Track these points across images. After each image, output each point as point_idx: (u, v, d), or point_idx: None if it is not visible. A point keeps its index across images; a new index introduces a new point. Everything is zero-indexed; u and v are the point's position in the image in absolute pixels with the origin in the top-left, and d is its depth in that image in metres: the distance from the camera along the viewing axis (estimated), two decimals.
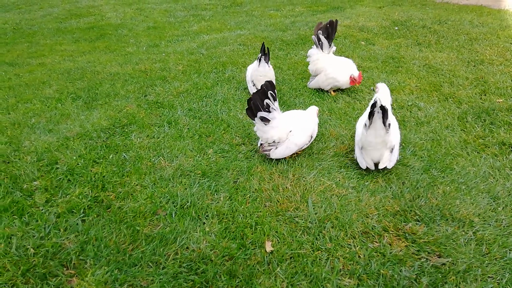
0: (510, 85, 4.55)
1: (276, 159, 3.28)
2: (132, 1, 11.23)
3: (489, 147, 3.40)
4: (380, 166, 3.01)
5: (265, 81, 3.06)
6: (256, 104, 3.04)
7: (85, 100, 4.55)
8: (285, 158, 3.28)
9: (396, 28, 7.07)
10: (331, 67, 4.55)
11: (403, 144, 3.45)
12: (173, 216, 2.64)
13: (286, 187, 2.96)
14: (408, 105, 4.24)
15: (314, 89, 4.77)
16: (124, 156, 3.35)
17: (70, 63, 6.20)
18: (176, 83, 5.09)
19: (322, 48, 4.64)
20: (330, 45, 4.63)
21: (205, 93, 4.74)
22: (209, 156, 3.37)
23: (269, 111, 3.10)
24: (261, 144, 3.30)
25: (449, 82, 4.76)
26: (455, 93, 4.45)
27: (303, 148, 3.35)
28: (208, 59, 6.03)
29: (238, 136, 3.72)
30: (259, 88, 4.40)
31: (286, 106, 4.37)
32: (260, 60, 4.36)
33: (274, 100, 3.12)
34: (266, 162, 3.28)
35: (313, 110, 3.62)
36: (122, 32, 8.19)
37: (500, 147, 3.39)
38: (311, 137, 3.38)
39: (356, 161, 3.18)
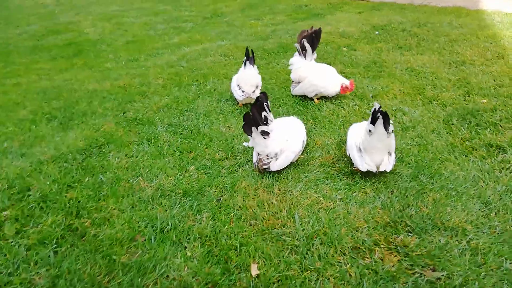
0: (493, 85, 4.53)
1: (260, 174, 3.16)
2: (111, 15, 11.07)
3: (476, 150, 3.33)
4: (381, 169, 2.94)
5: (260, 93, 2.97)
6: (256, 118, 2.92)
7: (60, 120, 4.37)
8: (270, 172, 3.16)
9: (377, 32, 7.07)
10: (314, 74, 4.48)
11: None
12: (153, 241, 2.49)
13: (272, 203, 2.84)
14: (393, 110, 4.17)
15: (298, 97, 4.68)
16: (101, 179, 3.18)
17: (47, 82, 6.01)
18: (156, 97, 4.94)
19: (305, 56, 4.58)
20: (314, 52, 4.57)
21: (186, 107, 4.61)
22: (191, 173, 3.23)
23: (268, 124, 3.00)
24: (259, 159, 3.13)
25: (432, 85, 4.72)
26: (438, 96, 4.40)
27: (298, 156, 3.26)
28: (188, 72, 5.90)
29: (221, 151, 3.59)
30: (244, 90, 4.37)
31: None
32: (245, 63, 4.32)
33: (269, 111, 3.02)
34: (250, 177, 3.16)
35: (295, 118, 3.57)
36: (100, 47, 8.03)
37: (488, 149, 3.33)
38: (303, 143, 3.32)
39: (349, 167, 3.09)
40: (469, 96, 4.35)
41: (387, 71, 5.30)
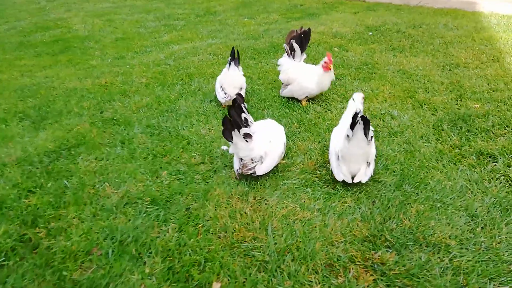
0: (487, 89, 4.35)
1: (237, 180, 2.98)
2: (102, 12, 10.85)
3: (466, 157, 3.15)
4: (355, 180, 2.77)
5: (236, 94, 2.77)
6: (236, 121, 2.74)
7: (33, 119, 4.17)
8: (251, 177, 2.97)
9: (370, 33, 6.88)
10: (303, 76, 4.29)
11: (375, 158, 3.17)
12: (110, 255, 2.29)
13: (245, 213, 2.65)
14: (381, 114, 3.98)
15: (285, 98, 4.50)
16: (65, 184, 2.99)
17: (27, 79, 5.80)
18: (137, 97, 4.75)
19: (293, 57, 4.40)
20: (303, 53, 4.39)
21: (167, 107, 4.41)
22: (162, 179, 3.04)
23: (249, 125, 2.81)
24: (243, 164, 2.92)
25: (424, 88, 4.54)
26: (430, 99, 4.22)
27: (279, 161, 3.11)
28: (174, 70, 5.71)
29: (198, 154, 3.40)
30: (227, 92, 4.18)
31: (254, 119, 4.05)
32: (230, 64, 4.13)
33: (248, 113, 2.84)
34: (225, 184, 2.97)
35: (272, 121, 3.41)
36: (88, 44, 7.82)
37: (478, 157, 3.14)
38: (285, 144, 3.18)
39: (331, 174, 2.92)
40: (461, 100, 4.17)
41: (379, 73, 5.12)
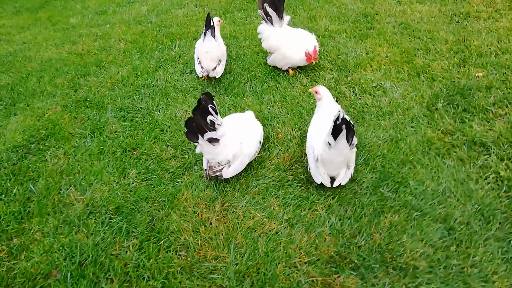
0: (495, 50, 3.87)
1: (207, 181, 2.83)
2: None
3: (456, 148, 2.87)
4: (335, 184, 2.59)
5: (202, 94, 2.48)
6: (200, 125, 2.51)
7: (5, 103, 4.00)
8: (215, 178, 2.82)
9: None
10: (285, 44, 3.88)
11: (358, 146, 2.93)
12: (68, 279, 2.26)
13: (210, 224, 2.54)
14: (372, 88, 3.63)
15: (270, 67, 4.14)
16: (31, 188, 2.90)
17: (4, 46, 5.51)
18: (113, 68, 4.46)
19: (272, 23, 3.93)
20: (281, 18, 3.90)
21: (144, 82, 4.14)
22: (129, 180, 2.92)
23: (215, 129, 2.58)
24: (209, 166, 2.76)
25: (424, 49, 4.07)
26: (429, 65, 3.79)
27: (254, 157, 2.92)
28: (155, 31, 5.29)
29: (170, 146, 3.22)
30: (203, 66, 3.84)
31: (233, 95, 3.78)
32: (205, 33, 3.74)
33: (216, 113, 2.58)
34: (194, 185, 2.83)
35: (251, 115, 3.13)
36: None
37: (470, 147, 2.86)
38: (260, 142, 2.97)
39: (306, 173, 2.77)
40: (464, 66, 3.73)
41: (378, 28, 4.60)
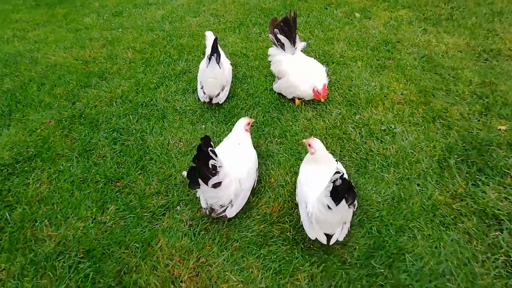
0: None
1: (187, 226, 2.65)
2: None
3: (464, 217, 2.58)
4: (331, 242, 2.38)
5: (201, 139, 2.28)
6: (203, 173, 2.36)
7: (2, 111, 3.91)
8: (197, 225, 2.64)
9: None
10: (294, 72, 3.63)
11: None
12: None
13: (181, 282, 2.35)
14: (381, 131, 3.34)
15: (276, 94, 3.90)
16: (6, 217, 2.78)
17: (16, 44, 5.46)
18: (116, 80, 4.31)
19: (283, 48, 3.68)
20: (293, 44, 3.65)
21: (144, 99, 3.98)
22: (107, 217, 2.76)
23: (217, 172, 2.42)
24: (211, 209, 2.60)
25: (445, 90, 3.74)
26: (447, 110, 3.47)
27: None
28: (165, 41, 5.12)
29: (156, 179, 3.04)
30: (206, 92, 3.66)
31: (232, 124, 3.56)
32: (209, 59, 3.51)
33: (216, 155, 2.40)
34: (173, 230, 2.65)
35: (241, 124, 3.00)
36: None
37: (480, 218, 2.56)
38: (257, 170, 2.87)
39: (293, 230, 2.55)
40: (486, 115, 3.39)
41: (397, 59, 4.27)
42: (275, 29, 3.55)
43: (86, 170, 3.14)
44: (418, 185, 2.83)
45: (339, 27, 5.08)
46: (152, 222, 2.72)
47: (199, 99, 3.87)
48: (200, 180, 2.35)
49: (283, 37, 3.56)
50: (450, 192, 2.75)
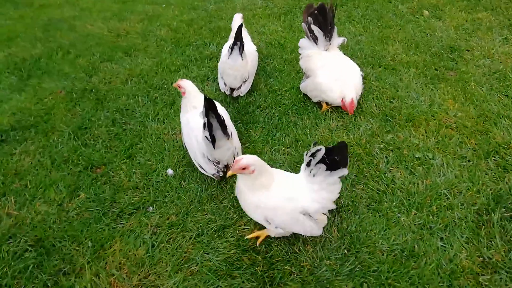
0: None
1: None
2: None
3: None
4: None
5: (207, 99, 2.13)
6: (225, 126, 2.28)
7: (21, 75, 3.87)
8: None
9: None
10: (324, 73, 3.08)
11: (351, 237, 2.13)
12: None
13: None
14: (414, 159, 2.69)
15: (301, 94, 3.39)
16: None
17: (64, 9, 5.50)
18: (139, 58, 4.08)
19: (316, 42, 3.14)
20: (328, 38, 3.09)
21: (160, 81, 3.70)
22: (73, 206, 2.51)
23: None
24: (226, 166, 2.53)
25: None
26: (508, 146, 2.70)
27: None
28: (204, 20, 4.78)
29: (138, 173, 2.74)
30: (227, 83, 3.30)
31: (243, 123, 3.15)
32: (232, 49, 3.11)
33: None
34: (133, 235, 2.32)
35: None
36: None
37: None
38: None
39: (265, 268, 2.05)
40: None
41: (461, 71, 3.49)
42: (309, 17, 3.01)
43: (73, 150, 2.93)
44: (441, 239, 2.18)
45: (400, 24, 4.33)
46: (116, 220, 2.42)
47: (218, 87, 3.49)
48: (221, 134, 2.26)
49: (317, 28, 3.01)
50: (482, 257, 2.07)
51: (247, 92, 3.41)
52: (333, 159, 1.83)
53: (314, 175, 1.91)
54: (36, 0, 5.94)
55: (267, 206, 1.94)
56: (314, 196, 1.94)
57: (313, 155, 1.86)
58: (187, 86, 2.58)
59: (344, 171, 1.87)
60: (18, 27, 4.94)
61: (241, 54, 3.10)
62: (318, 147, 1.83)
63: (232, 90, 3.35)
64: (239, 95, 3.36)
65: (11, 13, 5.56)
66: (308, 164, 1.91)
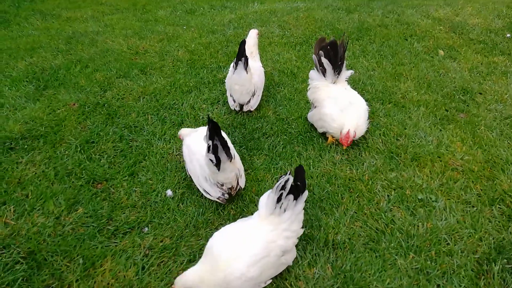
0: None
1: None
2: None
3: None
4: None
5: (210, 121, 2.12)
6: (228, 148, 2.29)
7: (39, 85, 3.99)
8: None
9: (508, 35, 4.73)
10: (330, 105, 3.10)
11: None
12: None
13: None
14: (416, 200, 2.64)
15: (308, 124, 3.40)
16: None
17: (88, 24, 5.70)
18: (154, 77, 4.17)
19: (324, 74, 3.17)
20: (336, 72, 3.12)
21: (172, 101, 3.75)
22: (70, 220, 2.53)
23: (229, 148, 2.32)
24: (230, 188, 2.53)
25: None
26: None
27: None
28: (221, 45, 4.89)
29: (138, 191, 2.75)
30: (235, 100, 3.42)
31: (247, 149, 3.16)
32: (237, 64, 3.20)
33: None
34: (123, 256, 2.31)
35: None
36: None
37: None
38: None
39: None
40: None
41: (472, 114, 3.46)
42: (320, 51, 3.05)
43: (77, 163, 2.97)
44: (438, 286, 2.11)
45: (414, 62, 4.34)
46: (110, 238, 2.42)
47: (226, 111, 3.54)
48: (225, 156, 2.28)
49: (327, 61, 3.05)
50: None
51: (254, 118, 3.44)
52: (295, 185, 1.84)
53: (285, 210, 1.91)
54: (63, 13, 6.18)
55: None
56: (288, 234, 1.95)
57: (283, 187, 1.85)
58: (182, 132, 2.78)
59: (305, 194, 1.92)
60: (43, 37, 5.13)
61: (245, 68, 3.20)
62: (286, 177, 1.83)
63: (241, 106, 3.47)
64: (250, 109, 3.47)
65: (38, 23, 5.80)
66: (279, 200, 1.89)
